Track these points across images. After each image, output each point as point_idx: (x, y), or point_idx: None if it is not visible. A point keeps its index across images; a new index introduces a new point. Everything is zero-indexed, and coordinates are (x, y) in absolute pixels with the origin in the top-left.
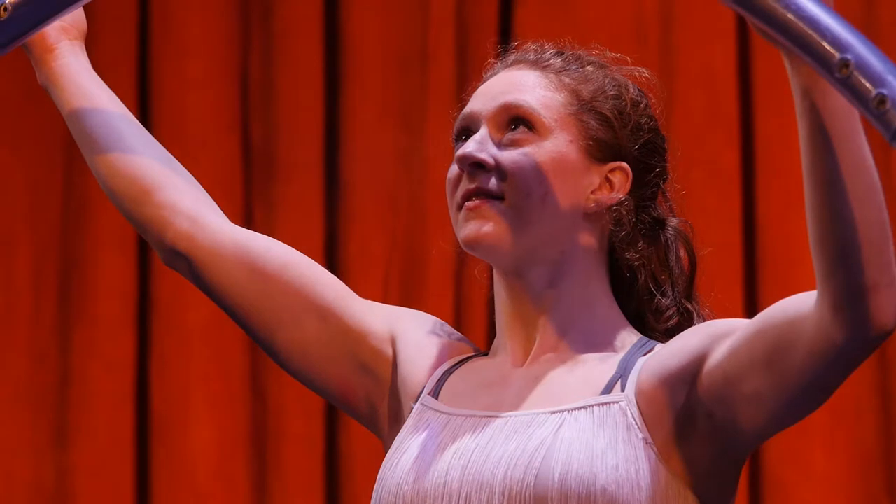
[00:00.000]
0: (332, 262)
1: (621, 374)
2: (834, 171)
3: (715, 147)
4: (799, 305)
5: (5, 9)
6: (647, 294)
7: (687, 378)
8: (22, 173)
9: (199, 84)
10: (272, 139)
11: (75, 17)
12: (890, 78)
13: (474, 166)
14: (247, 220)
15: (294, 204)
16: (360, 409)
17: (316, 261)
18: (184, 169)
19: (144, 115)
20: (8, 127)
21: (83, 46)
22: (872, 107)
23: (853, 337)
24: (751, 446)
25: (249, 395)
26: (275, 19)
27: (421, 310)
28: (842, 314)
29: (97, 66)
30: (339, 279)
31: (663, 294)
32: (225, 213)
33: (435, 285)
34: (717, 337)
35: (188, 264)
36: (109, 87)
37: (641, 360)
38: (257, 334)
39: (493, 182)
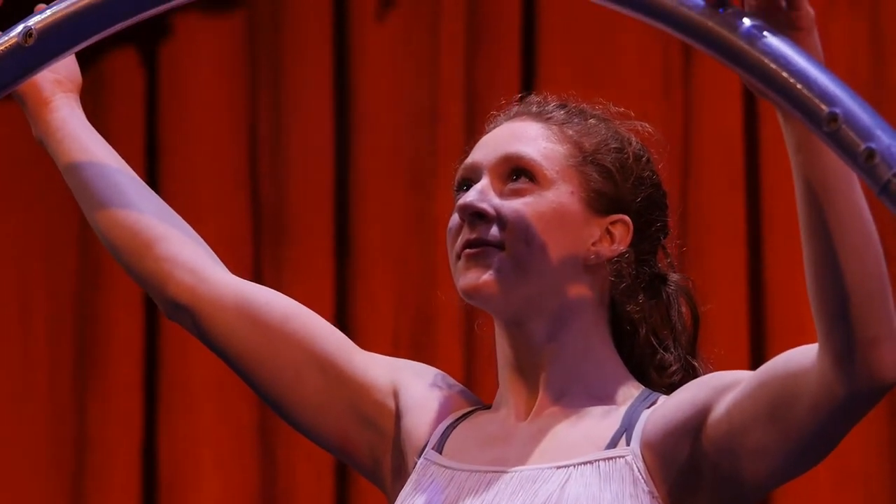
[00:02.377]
0: (342, 322)
1: (626, 428)
2: (829, 225)
3: (725, 204)
4: (801, 358)
5: None
6: (650, 349)
7: (692, 430)
8: (38, 237)
9: (208, 143)
10: (282, 199)
11: (69, 70)
12: (878, 132)
13: (475, 216)
14: (256, 279)
15: (304, 263)
16: (363, 461)
17: (326, 320)
18: (183, 221)
19: (153, 173)
20: (23, 190)
21: (78, 99)
22: (861, 161)
23: (855, 390)
24: (756, 497)
25: (258, 454)
26: (284, 79)
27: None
28: (843, 368)
29: (106, 124)
30: (349, 338)
31: (666, 349)
32: (234, 273)
33: (445, 345)
34: (721, 389)
35: (190, 317)
36: (118, 144)
37: (646, 413)
38: (259, 387)
39: (493, 231)
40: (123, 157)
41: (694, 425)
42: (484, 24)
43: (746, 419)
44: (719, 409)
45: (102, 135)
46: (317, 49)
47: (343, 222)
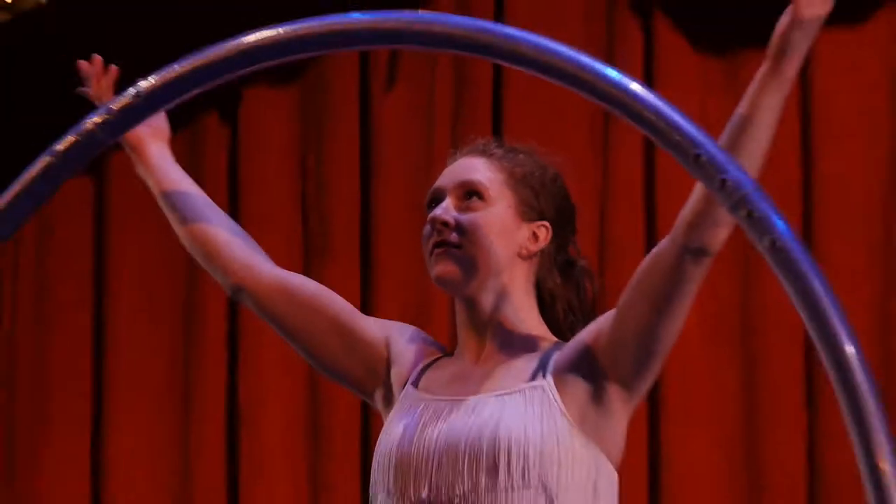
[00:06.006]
0: (366, 305)
1: (542, 366)
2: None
3: (633, 229)
4: (660, 244)
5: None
6: (563, 314)
7: (589, 350)
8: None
9: (273, 182)
10: (325, 226)
11: (160, 125)
12: (729, 167)
13: (441, 224)
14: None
15: (337, 274)
16: (366, 392)
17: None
18: (242, 230)
19: (234, 203)
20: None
21: (167, 145)
22: (716, 187)
23: (688, 244)
24: (638, 389)
25: None
26: (325, 134)
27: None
28: (691, 230)
29: (199, 168)
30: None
31: (574, 314)
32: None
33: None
34: (610, 313)
35: (248, 296)
36: (208, 182)
37: (556, 354)
38: (297, 344)
39: (454, 236)
40: (211, 193)
41: (592, 344)
42: (465, 98)
43: (632, 300)
44: (611, 319)
45: (196, 176)
46: (347, 112)
47: (366, 245)
